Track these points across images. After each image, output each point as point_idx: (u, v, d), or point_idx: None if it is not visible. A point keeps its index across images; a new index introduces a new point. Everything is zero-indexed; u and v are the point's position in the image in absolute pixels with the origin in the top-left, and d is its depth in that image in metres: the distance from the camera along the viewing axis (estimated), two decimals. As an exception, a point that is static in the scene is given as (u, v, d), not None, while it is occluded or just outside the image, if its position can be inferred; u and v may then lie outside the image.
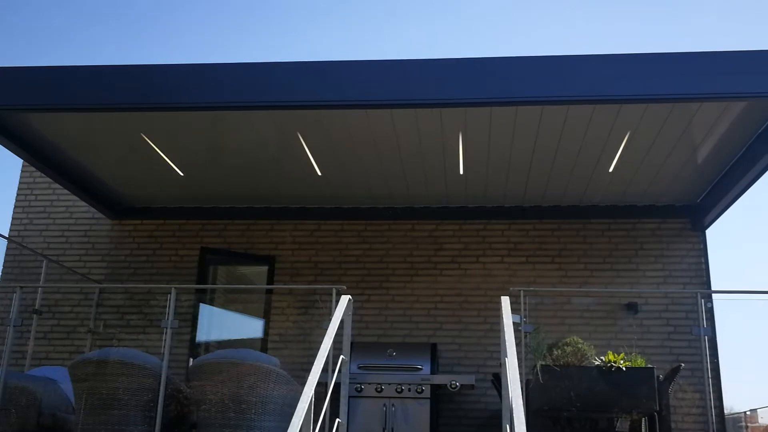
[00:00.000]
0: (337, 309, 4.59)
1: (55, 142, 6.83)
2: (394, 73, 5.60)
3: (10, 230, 8.61)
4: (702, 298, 5.32)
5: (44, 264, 7.74)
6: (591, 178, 7.29)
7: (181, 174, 7.43)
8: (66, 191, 8.07)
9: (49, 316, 7.93)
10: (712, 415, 4.90)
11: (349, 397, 5.99)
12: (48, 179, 8.14)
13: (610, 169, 7.00)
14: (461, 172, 7.16)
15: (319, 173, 7.27)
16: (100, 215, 8.47)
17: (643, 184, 7.44)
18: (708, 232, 7.98)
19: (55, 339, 8.08)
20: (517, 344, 4.98)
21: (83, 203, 8.27)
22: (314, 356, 7.27)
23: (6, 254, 8.39)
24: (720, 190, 7.30)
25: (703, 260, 7.88)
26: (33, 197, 8.77)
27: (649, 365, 5.20)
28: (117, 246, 8.47)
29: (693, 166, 7.01)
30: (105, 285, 8.16)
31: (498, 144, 6.56)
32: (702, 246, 7.93)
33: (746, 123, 6.09)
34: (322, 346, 4.10)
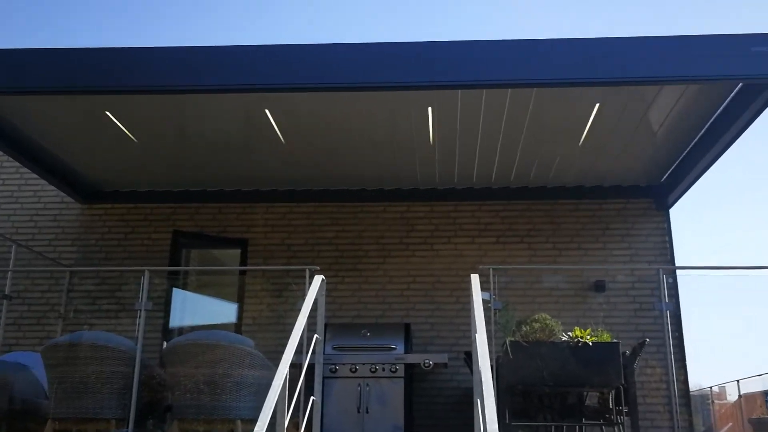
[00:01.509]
0: (310, 289, 4.65)
1: (19, 125, 6.76)
2: (362, 57, 5.64)
3: (-23, 216, 8.51)
4: (664, 274, 5.47)
5: (13, 249, 7.67)
6: (558, 159, 7.43)
7: (152, 156, 7.40)
8: (34, 175, 7.99)
9: (19, 301, 7.87)
10: (674, 388, 5.07)
11: (324, 377, 6.07)
12: (15, 163, 8.05)
13: (580, 143, 7.07)
14: (433, 150, 7.24)
15: (291, 154, 7.30)
16: (70, 199, 8.40)
17: (609, 165, 7.60)
18: (671, 211, 8.19)
19: (25, 325, 8.03)
20: (487, 322, 5.11)
21: (52, 187, 8.20)
22: (287, 337, 7.34)
23: (-27, 240, 8.30)
24: (682, 171, 7.50)
25: (667, 239, 8.09)
26: (0, 182, 8.66)
27: (615, 341, 5.36)
28: (87, 230, 8.42)
29: (655, 147, 7.18)
30: (77, 269, 8.12)
31: (467, 126, 6.65)
32: (666, 225, 8.14)
33: (705, 104, 6.26)
34: (296, 325, 4.17)
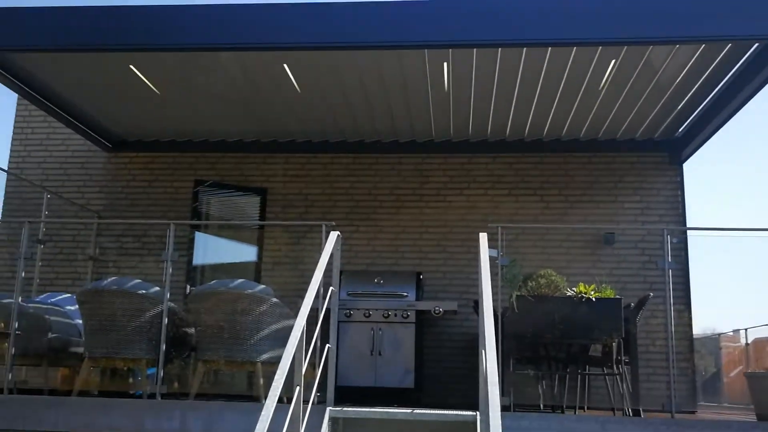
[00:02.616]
0: (326, 245, 4.91)
1: (45, 80, 6.99)
2: (379, 15, 5.74)
3: (9, 163, 8.84)
4: (669, 234, 5.65)
5: (45, 197, 8.00)
6: (572, 113, 7.52)
7: (175, 109, 7.61)
8: (61, 124, 8.26)
9: (51, 245, 8.25)
10: (672, 343, 5.33)
11: (339, 321, 6.38)
12: (43, 112, 8.31)
13: (595, 99, 7.14)
14: (448, 104, 7.37)
15: (308, 108, 7.47)
16: (97, 148, 8.67)
17: (623, 119, 7.68)
18: (685, 166, 8.28)
19: (57, 266, 8.44)
20: (495, 276, 5.36)
21: (79, 136, 8.46)
22: (305, 281, 7.66)
23: (6, 186, 8.64)
24: (697, 126, 7.57)
25: (679, 193, 8.21)
26: (30, 130, 8.95)
27: (618, 296, 5.59)
28: (114, 178, 8.72)
29: (671, 102, 7.23)
30: (108, 221, 8.44)
31: (482, 82, 6.76)
32: (679, 179, 8.24)
33: (722, 62, 6.30)
34: (312, 279, 4.43)
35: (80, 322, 6.32)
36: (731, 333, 15.91)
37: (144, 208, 8.54)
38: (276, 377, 3.47)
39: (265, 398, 3.34)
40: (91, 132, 8.27)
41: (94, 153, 8.76)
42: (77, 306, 6.52)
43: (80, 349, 6.04)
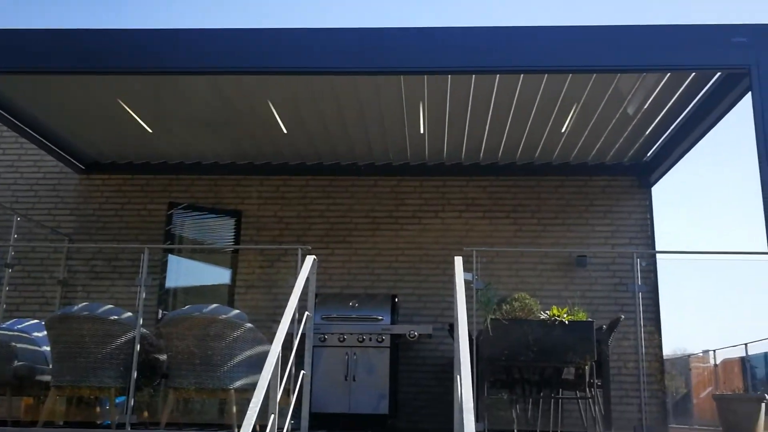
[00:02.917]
0: (302, 269, 4.90)
1: (17, 101, 6.93)
2: (357, 41, 5.81)
3: (-22, 185, 8.69)
4: (638, 257, 5.75)
5: (15, 219, 7.88)
6: (544, 138, 7.64)
7: (150, 131, 7.58)
8: (33, 145, 8.16)
9: (19, 269, 8.12)
10: (642, 366, 5.41)
11: (314, 346, 6.35)
12: (15, 133, 8.22)
13: (563, 130, 7.35)
14: (422, 131, 7.44)
15: (285, 131, 7.48)
16: (69, 169, 8.58)
17: (594, 144, 7.82)
18: (653, 189, 8.43)
19: (25, 290, 8.29)
20: (470, 299, 5.39)
21: (51, 157, 8.37)
22: (278, 305, 7.59)
23: (-26, 209, 8.50)
24: (664, 151, 7.74)
25: (648, 216, 8.35)
26: (0, 151, 8.83)
27: (590, 319, 5.65)
28: (85, 200, 8.62)
29: (639, 127, 7.39)
30: (82, 245, 8.33)
31: (456, 107, 6.84)
32: (648, 203, 8.39)
33: (687, 90, 6.47)
34: (288, 304, 4.42)
35: (47, 349, 6.22)
36: (701, 354, 16.14)
37: (116, 231, 8.45)
38: (251, 405, 3.45)
39: (238, 427, 3.31)
40: (63, 153, 8.19)
41: (66, 175, 8.66)
42: (44, 333, 6.43)
43: (47, 378, 5.92)
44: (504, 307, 5.54)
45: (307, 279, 5.01)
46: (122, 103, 6.83)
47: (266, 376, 3.71)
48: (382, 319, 7.31)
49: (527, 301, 5.57)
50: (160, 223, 8.41)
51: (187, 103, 6.98)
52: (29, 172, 8.75)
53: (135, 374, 5.24)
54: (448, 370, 7.90)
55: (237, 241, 8.42)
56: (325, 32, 5.89)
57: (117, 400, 5.49)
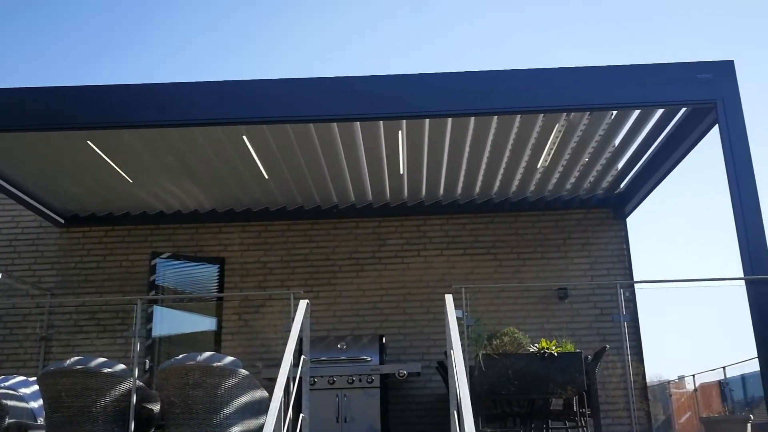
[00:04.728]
0: (297, 314, 4.96)
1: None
2: (335, 90, 5.99)
3: (-45, 242, 8.61)
4: (621, 288, 5.92)
5: (-2, 276, 7.83)
6: (520, 175, 7.85)
7: (131, 181, 7.62)
8: (11, 201, 8.14)
9: (1, 325, 8.02)
10: (632, 394, 5.53)
11: (306, 390, 6.37)
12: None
13: (538, 166, 7.57)
14: (401, 172, 7.61)
15: (266, 176, 7.58)
16: (48, 223, 8.55)
17: (568, 178, 8.05)
18: (628, 221, 8.68)
19: (7, 348, 8.18)
20: (461, 334, 5.48)
21: (30, 212, 8.34)
22: (266, 350, 7.59)
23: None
24: (637, 183, 8.00)
25: (624, 246, 8.58)
26: (-22, 209, 8.77)
27: (578, 350, 5.78)
28: (66, 253, 8.58)
29: (612, 161, 7.65)
30: (69, 300, 8.27)
31: (434, 149, 7.03)
32: (623, 233, 8.62)
33: (656, 124, 6.75)
34: (287, 348, 4.46)
35: (35, 405, 6.13)
36: (677, 380, 16.40)
37: (99, 284, 8.40)
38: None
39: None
40: (42, 208, 8.17)
41: (46, 229, 8.63)
42: (30, 389, 6.34)
43: (39, 434, 5.85)
44: (494, 342, 5.65)
45: (302, 323, 5.06)
46: (101, 154, 6.86)
47: (271, 422, 3.75)
48: (370, 360, 7.36)
49: (516, 335, 5.69)
50: (143, 273, 8.39)
51: (166, 154, 7.04)
52: (7, 227, 8.70)
53: (132, 425, 5.21)
54: (437, 407, 7.95)
55: (221, 288, 8.43)
56: (306, 81, 6.06)
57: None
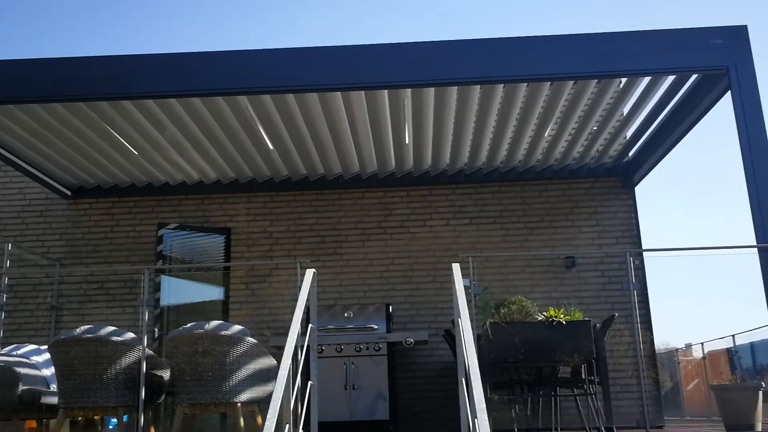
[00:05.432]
0: (303, 282, 4.97)
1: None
2: (341, 58, 5.92)
3: (-36, 214, 8.64)
4: (630, 256, 5.89)
5: (7, 246, 7.85)
6: (527, 144, 7.79)
7: (136, 153, 7.60)
8: (18, 173, 8.14)
9: (12, 295, 8.08)
10: (641, 357, 5.54)
11: (313, 358, 6.42)
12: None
13: (546, 135, 7.51)
14: (407, 142, 7.56)
15: (271, 147, 7.55)
16: (55, 195, 8.57)
17: (576, 147, 7.99)
18: (637, 189, 8.63)
19: (18, 317, 8.25)
20: (468, 303, 5.50)
21: (37, 184, 8.35)
22: (273, 318, 7.62)
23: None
24: (646, 151, 7.93)
25: (632, 215, 8.54)
26: (-16, 179, 8.80)
27: (586, 318, 5.79)
28: (74, 225, 8.61)
29: (621, 129, 7.58)
30: (78, 270, 8.31)
31: (439, 117, 6.97)
32: (632, 202, 8.58)
33: (666, 91, 6.66)
34: (294, 317, 4.48)
35: (47, 373, 6.19)
36: (684, 347, 16.48)
37: (107, 254, 8.44)
38: (268, 417, 3.51)
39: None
40: (49, 180, 8.18)
41: (53, 201, 8.65)
42: (42, 357, 6.40)
43: (49, 401, 5.92)
44: (502, 311, 5.66)
45: (308, 291, 5.08)
46: (106, 126, 6.84)
47: (280, 389, 3.77)
48: (377, 328, 7.40)
49: (524, 303, 5.69)
50: (150, 244, 8.42)
51: (172, 125, 7.01)
52: (15, 199, 8.73)
53: (143, 393, 5.26)
54: (444, 375, 8.01)
55: (227, 258, 8.45)
56: (309, 51, 5.99)
57: (110, 425, 5.49)
